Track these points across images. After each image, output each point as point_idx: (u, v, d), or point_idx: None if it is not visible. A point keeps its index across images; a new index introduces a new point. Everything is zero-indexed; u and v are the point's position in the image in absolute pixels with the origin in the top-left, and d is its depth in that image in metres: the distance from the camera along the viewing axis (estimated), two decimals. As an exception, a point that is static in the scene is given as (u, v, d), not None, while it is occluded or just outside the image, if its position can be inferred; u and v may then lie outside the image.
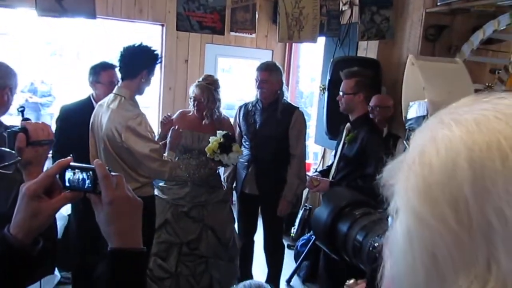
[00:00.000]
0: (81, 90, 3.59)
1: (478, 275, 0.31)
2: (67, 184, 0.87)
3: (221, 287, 3.11)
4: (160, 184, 3.18)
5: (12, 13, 3.73)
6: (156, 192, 2.96)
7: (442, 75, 2.44)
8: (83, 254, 3.12)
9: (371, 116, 3.04)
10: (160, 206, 3.00)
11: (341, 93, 2.89)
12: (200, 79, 3.13)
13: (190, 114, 3.19)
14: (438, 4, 3.13)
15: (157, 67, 2.69)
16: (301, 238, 4.31)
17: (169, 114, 3.16)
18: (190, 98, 3.13)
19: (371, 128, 2.87)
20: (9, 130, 0.93)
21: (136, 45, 2.53)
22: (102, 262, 2.94)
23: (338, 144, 3.07)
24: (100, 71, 3.11)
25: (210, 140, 2.93)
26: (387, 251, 0.40)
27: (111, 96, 2.56)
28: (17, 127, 0.99)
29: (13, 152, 0.80)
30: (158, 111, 5.02)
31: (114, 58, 3.09)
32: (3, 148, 0.72)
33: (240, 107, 3.41)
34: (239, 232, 3.51)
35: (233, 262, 3.27)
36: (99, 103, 2.68)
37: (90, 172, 0.86)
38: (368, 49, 3.78)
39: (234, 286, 1.35)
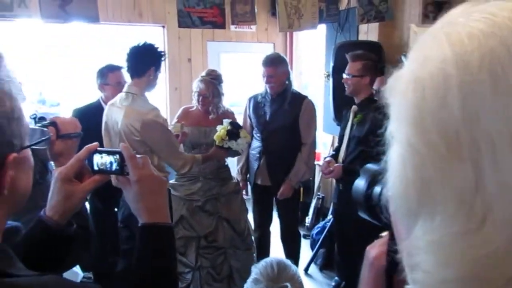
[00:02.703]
0: (88, 96, 3.65)
1: (466, 198, 0.33)
2: (95, 168, 0.91)
3: (240, 275, 3.16)
4: (171, 181, 3.22)
5: (13, 25, 3.79)
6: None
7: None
8: (103, 254, 3.18)
9: (376, 99, 3.06)
10: (174, 203, 3.04)
11: (347, 76, 2.92)
12: (204, 74, 3.17)
13: (194, 109, 3.23)
14: (436, -20, 3.15)
15: (163, 65, 2.75)
16: (315, 226, 4.33)
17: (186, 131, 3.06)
18: (194, 93, 3.17)
19: (380, 109, 2.89)
20: (39, 124, 0.97)
21: (141, 44, 2.60)
22: (122, 259, 3.00)
23: (344, 127, 3.09)
24: (107, 73, 3.17)
25: (217, 128, 2.98)
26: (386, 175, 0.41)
27: (122, 95, 2.62)
28: (47, 122, 1.04)
29: (45, 129, 0.85)
30: (166, 112, 5.07)
31: (119, 61, 3.15)
32: (34, 126, 0.76)
33: (250, 99, 3.44)
34: (254, 223, 3.54)
35: (250, 251, 3.32)
36: (109, 102, 2.75)
37: (117, 155, 0.90)
38: (369, 32, 3.80)
39: (255, 265, 1.39)
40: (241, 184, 3.43)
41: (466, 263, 0.33)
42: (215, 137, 2.98)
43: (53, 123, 1.08)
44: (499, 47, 0.32)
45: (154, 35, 4.87)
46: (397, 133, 0.38)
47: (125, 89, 2.65)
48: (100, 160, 0.91)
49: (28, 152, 0.70)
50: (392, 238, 0.60)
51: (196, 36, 5.03)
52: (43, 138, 0.79)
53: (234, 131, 2.96)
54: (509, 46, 0.32)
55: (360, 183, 0.77)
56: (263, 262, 1.35)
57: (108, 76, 3.17)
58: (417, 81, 0.36)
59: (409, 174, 0.36)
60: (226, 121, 3.01)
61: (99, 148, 0.92)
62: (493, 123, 0.31)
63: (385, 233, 0.68)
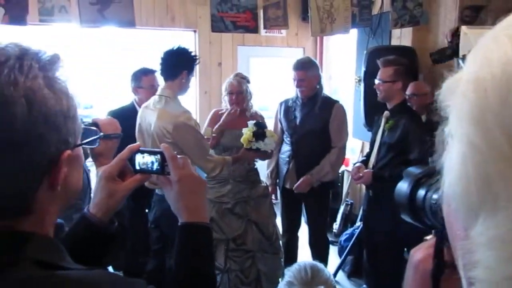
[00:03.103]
0: (121, 99, 3.74)
1: None
2: (137, 167, 0.94)
3: (267, 279, 3.15)
4: None
5: (50, 29, 3.92)
6: None
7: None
8: (134, 254, 3.24)
9: (409, 104, 3.02)
10: None
11: (378, 81, 2.89)
12: (231, 77, 3.21)
13: (224, 112, 3.26)
14: (473, -16, 3.08)
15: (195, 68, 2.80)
16: (344, 233, 4.29)
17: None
18: (226, 95, 3.19)
19: (412, 115, 2.85)
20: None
21: (174, 48, 2.66)
22: (152, 259, 3.05)
23: (375, 133, 3.06)
24: (141, 76, 3.24)
25: (243, 131, 2.99)
26: (443, 173, 0.41)
27: (155, 97, 2.68)
28: (89, 122, 1.07)
29: (95, 128, 0.87)
30: (195, 115, 5.13)
31: (151, 65, 3.22)
32: (85, 126, 0.79)
33: (281, 103, 3.45)
34: (282, 228, 3.53)
35: (278, 255, 3.31)
36: (143, 105, 2.81)
37: (158, 155, 0.92)
38: (402, 37, 3.75)
39: (287, 268, 1.38)
40: (270, 189, 3.43)
41: None
42: (242, 140, 2.99)
43: (95, 124, 1.11)
44: None
45: (186, 39, 4.95)
46: (457, 132, 0.39)
47: (158, 92, 2.71)
48: (141, 159, 0.93)
49: (80, 150, 0.72)
50: (440, 241, 0.59)
51: (226, 40, 5.08)
52: (96, 136, 0.81)
53: (260, 132, 2.96)
54: None
55: (403, 186, 0.77)
56: (296, 266, 1.35)
57: (142, 79, 3.25)
58: (478, 81, 0.37)
59: (470, 172, 0.37)
60: (250, 123, 3.02)
61: (141, 148, 0.94)
62: None
63: (429, 236, 0.67)
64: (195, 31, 5.03)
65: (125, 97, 3.57)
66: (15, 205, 0.62)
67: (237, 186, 3.18)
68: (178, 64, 2.63)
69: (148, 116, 2.68)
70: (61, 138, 0.63)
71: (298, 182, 3.23)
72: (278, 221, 3.51)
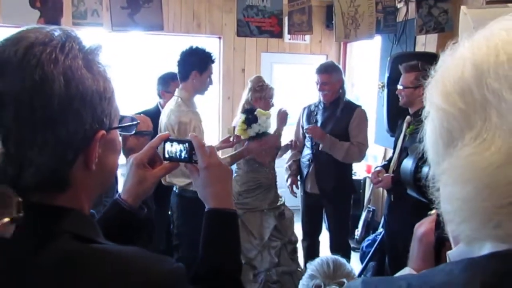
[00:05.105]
0: (143, 103, 3.82)
1: (478, 131, 0.45)
2: (166, 155, 0.98)
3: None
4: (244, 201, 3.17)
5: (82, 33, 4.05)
6: (240, 212, 3.02)
7: (492, 18, 2.39)
8: (157, 252, 3.29)
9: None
10: (256, 219, 3.09)
11: (400, 87, 2.88)
12: (256, 83, 3.20)
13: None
14: (499, -8, 3.05)
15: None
16: (366, 239, 4.26)
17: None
18: (267, 97, 3.13)
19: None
20: None
21: (188, 49, 2.72)
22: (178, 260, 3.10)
23: (397, 138, 3.05)
24: (169, 81, 3.31)
25: (236, 127, 2.92)
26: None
27: (173, 98, 2.76)
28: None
29: (132, 115, 0.92)
30: (218, 120, 5.20)
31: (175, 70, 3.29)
32: (124, 114, 0.83)
33: (304, 108, 3.48)
34: (303, 232, 3.54)
35: None
36: (165, 106, 2.88)
37: (186, 144, 0.96)
38: (426, 44, 3.73)
39: (310, 262, 1.40)
40: (290, 180, 3.43)
41: (478, 173, 0.44)
42: (239, 133, 2.88)
43: None
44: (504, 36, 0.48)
45: (211, 46, 5.03)
46: (431, 107, 0.52)
47: (176, 93, 2.78)
48: (170, 148, 0.97)
49: (117, 134, 0.76)
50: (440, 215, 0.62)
51: (250, 47, 5.15)
52: (133, 123, 0.86)
53: (250, 117, 2.85)
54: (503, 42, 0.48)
55: (408, 163, 0.81)
56: (318, 260, 1.36)
57: (170, 84, 3.32)
58: (444, 67, 0.51)
59: (437, 127, 0.50)
60: (241, 115, 2.96)
61: (170, 137, 0.98)
62: (496, 80, 0.45)
63: (433, 212, 0.72)
64: (220, 38, 5.11)
65: (149, 101, 3.65)
66: (51, 178, 0.65)
67: (276, 190, 3.26)
68: (188, 65, 2.67)
69: (164, 116, 2.76)
70: (96, 118, 0.67)
71: (312, 127, 3.16)
72: (299, 226, 3.52)
